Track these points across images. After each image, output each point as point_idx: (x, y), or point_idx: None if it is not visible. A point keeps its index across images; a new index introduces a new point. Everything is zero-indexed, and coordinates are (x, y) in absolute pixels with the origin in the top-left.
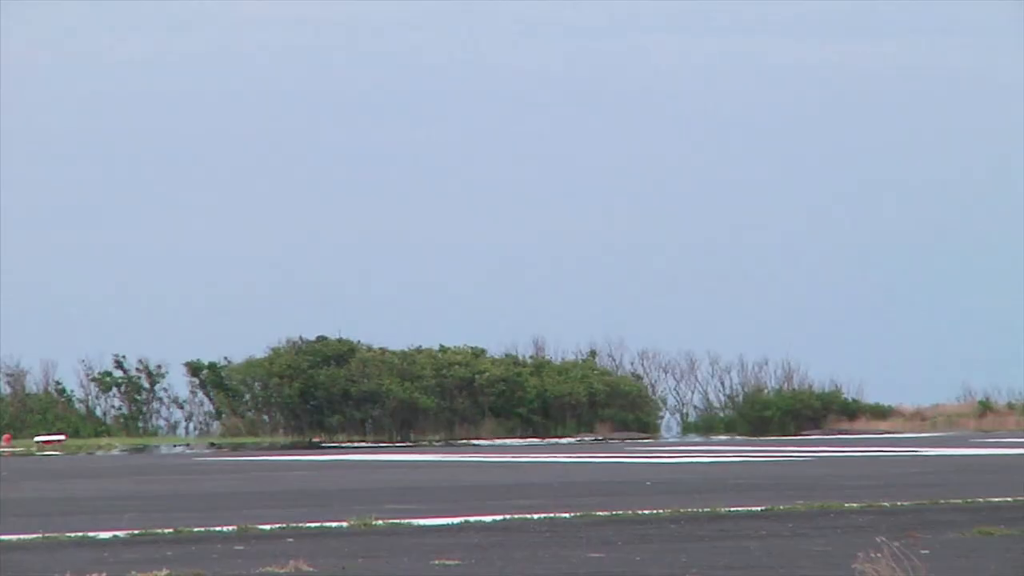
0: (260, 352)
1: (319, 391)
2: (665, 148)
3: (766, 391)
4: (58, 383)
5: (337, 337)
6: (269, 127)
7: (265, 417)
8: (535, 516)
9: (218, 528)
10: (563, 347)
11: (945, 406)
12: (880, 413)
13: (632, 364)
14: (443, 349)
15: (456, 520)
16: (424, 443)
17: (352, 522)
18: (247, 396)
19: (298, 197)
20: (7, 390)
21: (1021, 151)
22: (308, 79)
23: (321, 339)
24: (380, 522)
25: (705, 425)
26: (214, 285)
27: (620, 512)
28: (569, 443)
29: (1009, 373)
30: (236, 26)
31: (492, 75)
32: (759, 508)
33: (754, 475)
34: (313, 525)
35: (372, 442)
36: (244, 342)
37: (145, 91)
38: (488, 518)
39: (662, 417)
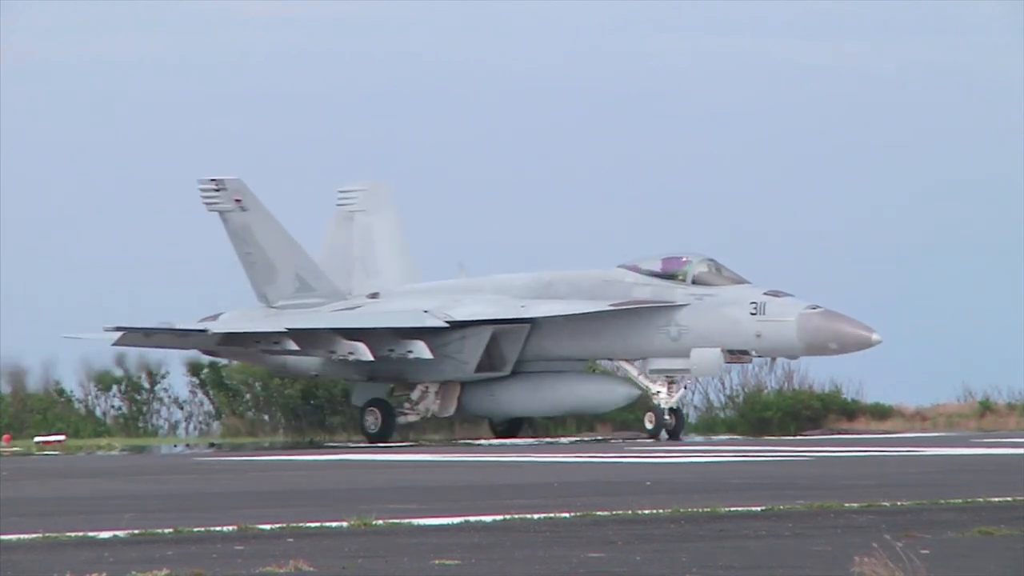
0: None
1: (320, 391)
2: (665, 147)
3: (766, 391)
4: (57, 383)
5: None
6: (269, 127)
7: (265, 417)
8: (535, 516)
9: (218, 528)
10: None
11: (945, 406)
12: (880, 413)
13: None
14: None
15: (456, 520)
16: (424, 443)
17: (352, 522)
18: (247, 396)
19: (296, 197)
20: (7, 390)
21: (1021, 151)
22: (304, 79)
23: None
24: (380, 522)
25: (705, 425)
26: (214, 285)
27: (620, 512)
28: (569, 443)
29: (1009, 373)
30: (237, 26)
31: (492, 75)
32: (759, 508)
33: (754, 475)
34: (313, 525)
35: (372, 442)
36: None
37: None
38: (488, 518)
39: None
